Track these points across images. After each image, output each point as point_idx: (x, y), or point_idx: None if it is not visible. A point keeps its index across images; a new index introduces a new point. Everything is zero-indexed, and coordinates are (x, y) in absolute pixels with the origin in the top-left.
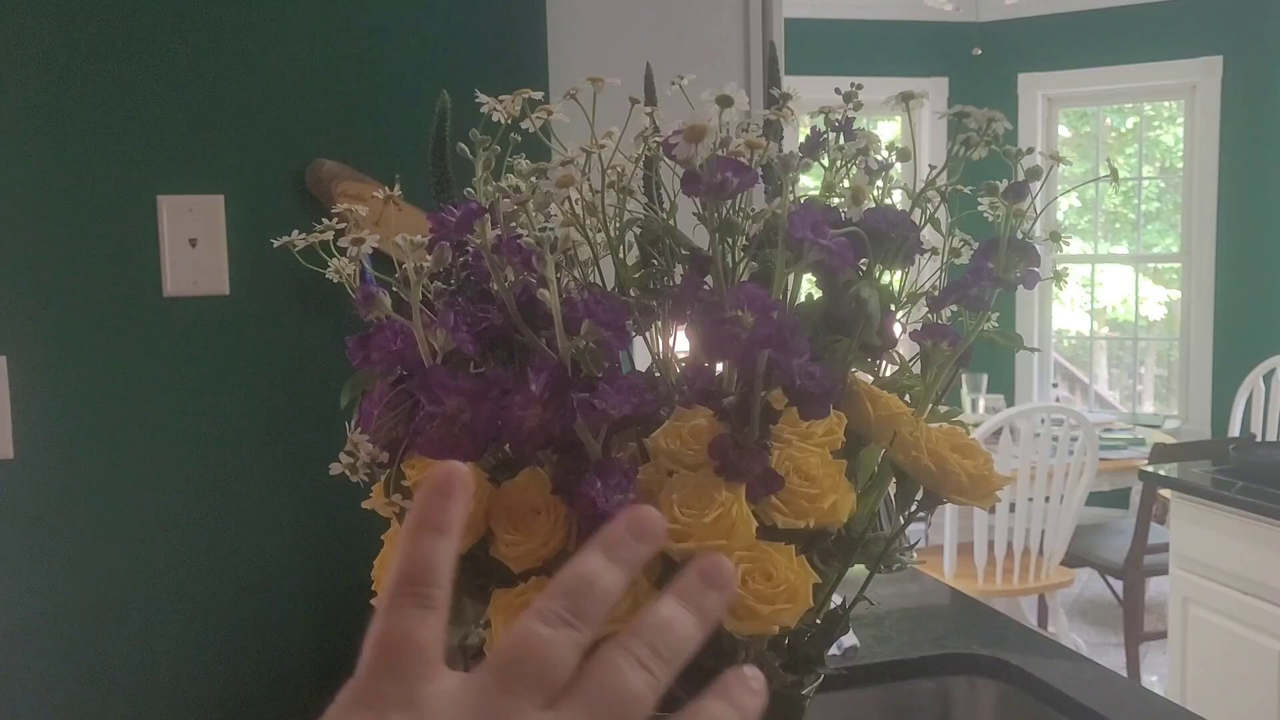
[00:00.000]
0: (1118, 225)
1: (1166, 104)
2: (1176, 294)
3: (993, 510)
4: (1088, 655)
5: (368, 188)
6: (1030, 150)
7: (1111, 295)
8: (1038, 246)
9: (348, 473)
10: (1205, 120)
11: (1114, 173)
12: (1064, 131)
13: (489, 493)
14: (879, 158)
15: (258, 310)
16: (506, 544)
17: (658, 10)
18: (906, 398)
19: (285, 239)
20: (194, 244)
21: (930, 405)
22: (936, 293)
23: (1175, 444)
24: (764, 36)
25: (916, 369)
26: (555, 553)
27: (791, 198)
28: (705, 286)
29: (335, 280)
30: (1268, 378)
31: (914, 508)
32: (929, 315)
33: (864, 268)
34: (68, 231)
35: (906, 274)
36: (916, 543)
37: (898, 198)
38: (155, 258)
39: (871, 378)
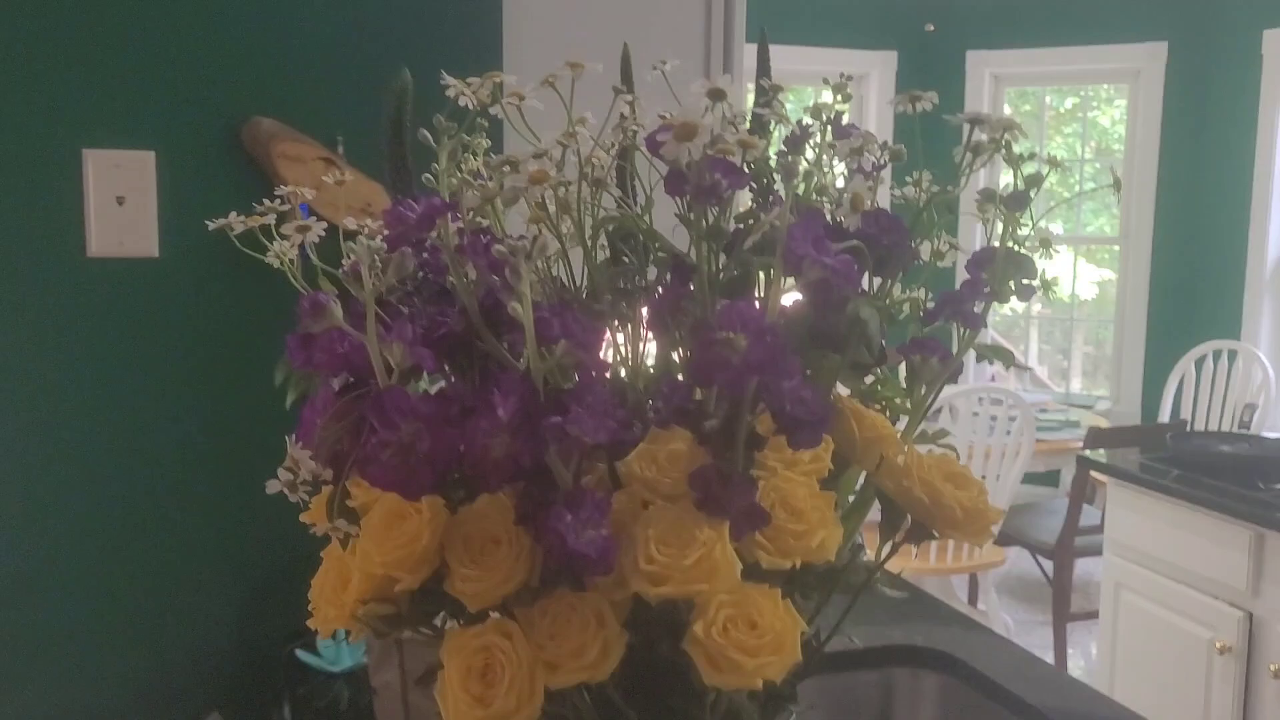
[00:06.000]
0: (1053, 204)
1: (1105, 86)
2: (1109, 274)
3: None
4: (1015, 633)
5: (308, 149)
6: (1033, 155)
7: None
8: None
9: (286, 491)
10: (1148, 105)
11: (1117, 182)
12: (1007, 110)
13: (444, 520)
14: (873, 158)
15: (190, 275)
16: (464, 579)
17: None
18: (884, 410)
19: (221, 221)
20: (121, 202)
21: (918, 427)
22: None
23: (1111, 429)
24: (725, 17)
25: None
26: (516, 590)
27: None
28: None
29: (276, 265)
30: (1199, 363)
31: (899, 537)
32: (916, 329)
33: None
34: None
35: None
36: (900, 571)
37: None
38: (79, 216)
39: (848, 391)
